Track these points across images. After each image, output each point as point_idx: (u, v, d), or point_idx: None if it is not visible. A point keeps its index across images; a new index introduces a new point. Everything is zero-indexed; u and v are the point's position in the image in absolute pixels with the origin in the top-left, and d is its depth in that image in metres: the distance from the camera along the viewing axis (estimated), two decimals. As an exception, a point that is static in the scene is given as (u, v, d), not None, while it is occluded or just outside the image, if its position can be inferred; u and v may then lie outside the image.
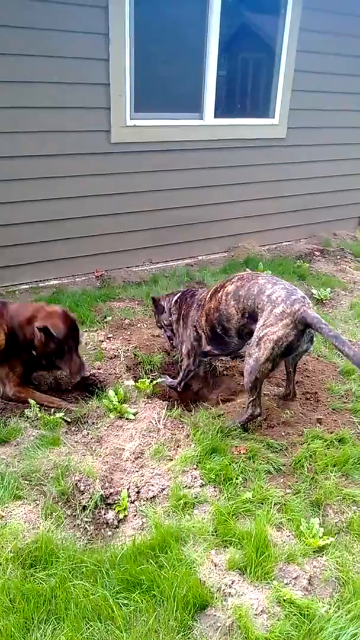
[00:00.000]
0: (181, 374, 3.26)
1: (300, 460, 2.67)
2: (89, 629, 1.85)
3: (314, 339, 2.78)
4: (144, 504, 2.39)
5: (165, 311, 3.39)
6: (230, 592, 1.99)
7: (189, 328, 3.13)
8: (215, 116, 5.15)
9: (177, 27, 4.79)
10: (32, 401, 2.92)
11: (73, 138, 4.39)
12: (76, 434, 2.88)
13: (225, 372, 3.57)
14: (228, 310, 2.85)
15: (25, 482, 2.44)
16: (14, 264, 4.39)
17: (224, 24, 4.85)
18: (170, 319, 3.35)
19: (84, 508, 2.37)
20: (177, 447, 2.73)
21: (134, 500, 2.42)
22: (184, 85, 5.09)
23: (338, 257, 5.98)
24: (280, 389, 3.26)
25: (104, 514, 2.38)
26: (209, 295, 3.04)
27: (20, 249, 4.06)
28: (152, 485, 2.46)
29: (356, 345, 2.55)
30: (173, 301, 3.34)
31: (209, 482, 2.50)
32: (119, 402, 2.95)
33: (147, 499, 2.41)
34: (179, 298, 3.32)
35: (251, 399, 2.80)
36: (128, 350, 3.50)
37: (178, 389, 3.30)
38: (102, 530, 2.34)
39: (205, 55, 4.90)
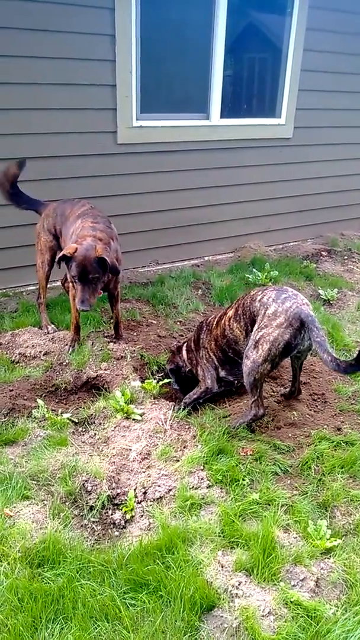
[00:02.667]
0: (195, 395, 3.13)
1: (307, 462, 2.66)
2: (97, 628, 1.86)
3: None
4: (150, 505, 2.40)
5: (183, 359, 3.32)
6: (237, 594, 2.00)
7: (202, 350, 3.16)
8: (222, 116, 5.15)
9: (183, 27, 4.79)
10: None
11: (79, 139, 4.40)
12: (83, 434, 2.89)
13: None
14: (234, 333, 2.90)
15: (33, 482, 2.45)
16: (21, 265, 4.41)
17: (230, 24, 4.84)
18: (187, 361, 3.29)
19: (91, 508, 2.38)
20: (184, 448, 2.73)
21: (140, 501, 2.43)
22: (190, 86, 5.09)
23: (345, 257, 5.95)
24: (287, 389, 3.25)
25: (111, 515, 2.39)
26: (215, 321, 3.09)
27: (26, 251, 4.08)
28: (159, 486, 2.47)
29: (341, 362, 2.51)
30: (186, 344, 3.34)
31: (216, 483, 2.50)
32: (125, 402, 2.95)
33: (154, 500, 2.42)
34: (188, 339, 3.37)
35: (253, 399, 2.81)
36: (135, 351, 3.50)
37: (184, 406, 3.08)
38: (109, 531, 2.35)
39: (211, 55, 4.90)
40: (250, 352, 2.71)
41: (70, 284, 3.40)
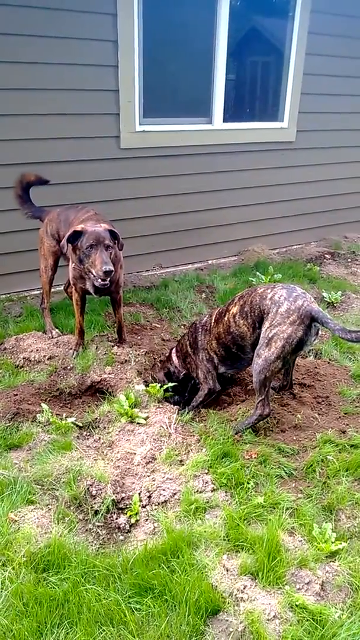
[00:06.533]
0: (200, 398, 3.18)
1: (312, 465, 2.66)
2: (102, 633, 1.86)
3: (319, 332, 2.80)
4: (155, 509, 2.40)
5: (174, 364, 3.34)
6: (242, 597, 1.99)
7: (200, 352, 3.16)
8: (224, 120, 5.17)
9: (185, 32, 4.82)
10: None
11: (82, 144, 4.43)
12: (87, 438, 2.89)
13: (236, 378, 3.57)
14: (240, 330, 2.91)
15: (38, 486, 2.46)
16: (24, 270, 4.43)
17: (232, 28, 4.87)
18: (180, 362, 3.32)
19: (96, 513, 2.38)
20: (188, 451, 2.73)
21: (145, 505, 2.43)
22: (193, 90, 5.11)
23: (349, 260, 5.95)
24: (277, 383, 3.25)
25: (116, 519, 2.39)
26: (213, 320, 3.10)
27: (29, 255, 4.11)
28: (164, 489, 2.46)
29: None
30: (175, 349, 3.37)
31: (221, 486, 2.50)
32: (130, 406, 2.96)
33: (158, 504, 2.42)
34: (180, 340, 3.37)
35: (260, 398, 2.81)
36: (139, 354, 3.51)
37: (190, 410, 3.15)
38: (114, 535, 2.35)
39: (213, 59, 4.92)
40: (262, 350, 2.72)
41: (73, 287, 3.41)
